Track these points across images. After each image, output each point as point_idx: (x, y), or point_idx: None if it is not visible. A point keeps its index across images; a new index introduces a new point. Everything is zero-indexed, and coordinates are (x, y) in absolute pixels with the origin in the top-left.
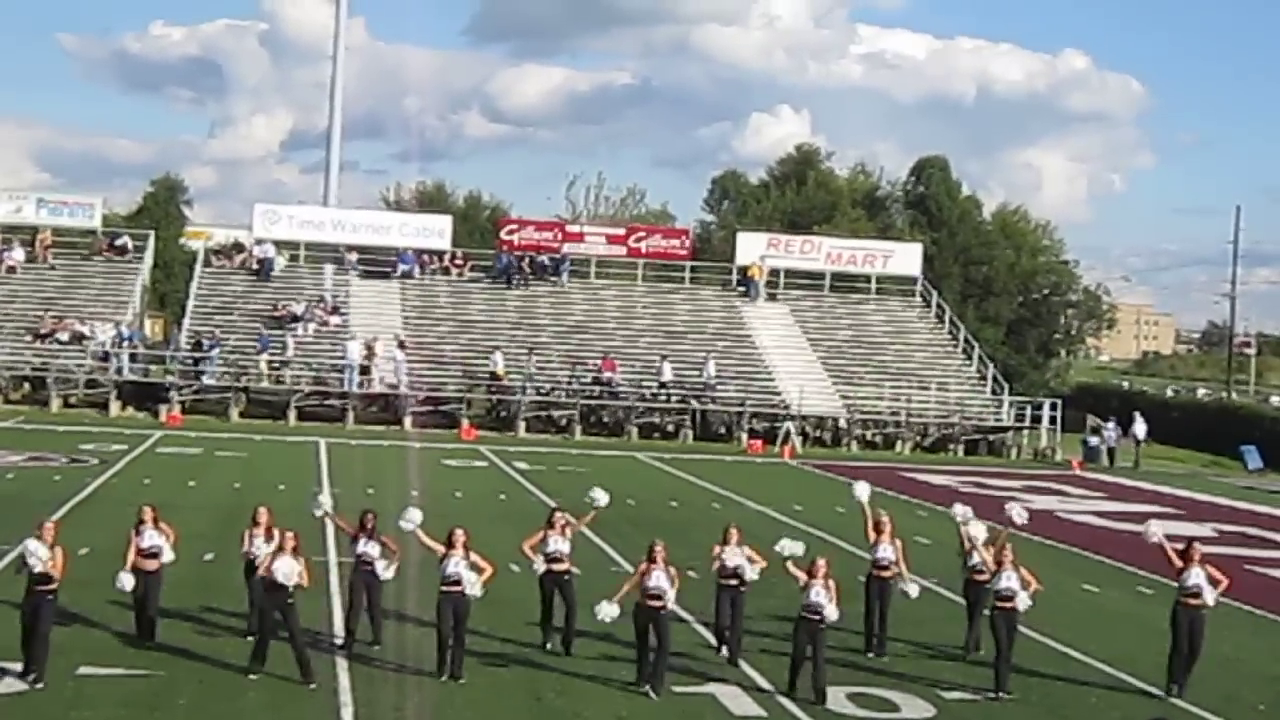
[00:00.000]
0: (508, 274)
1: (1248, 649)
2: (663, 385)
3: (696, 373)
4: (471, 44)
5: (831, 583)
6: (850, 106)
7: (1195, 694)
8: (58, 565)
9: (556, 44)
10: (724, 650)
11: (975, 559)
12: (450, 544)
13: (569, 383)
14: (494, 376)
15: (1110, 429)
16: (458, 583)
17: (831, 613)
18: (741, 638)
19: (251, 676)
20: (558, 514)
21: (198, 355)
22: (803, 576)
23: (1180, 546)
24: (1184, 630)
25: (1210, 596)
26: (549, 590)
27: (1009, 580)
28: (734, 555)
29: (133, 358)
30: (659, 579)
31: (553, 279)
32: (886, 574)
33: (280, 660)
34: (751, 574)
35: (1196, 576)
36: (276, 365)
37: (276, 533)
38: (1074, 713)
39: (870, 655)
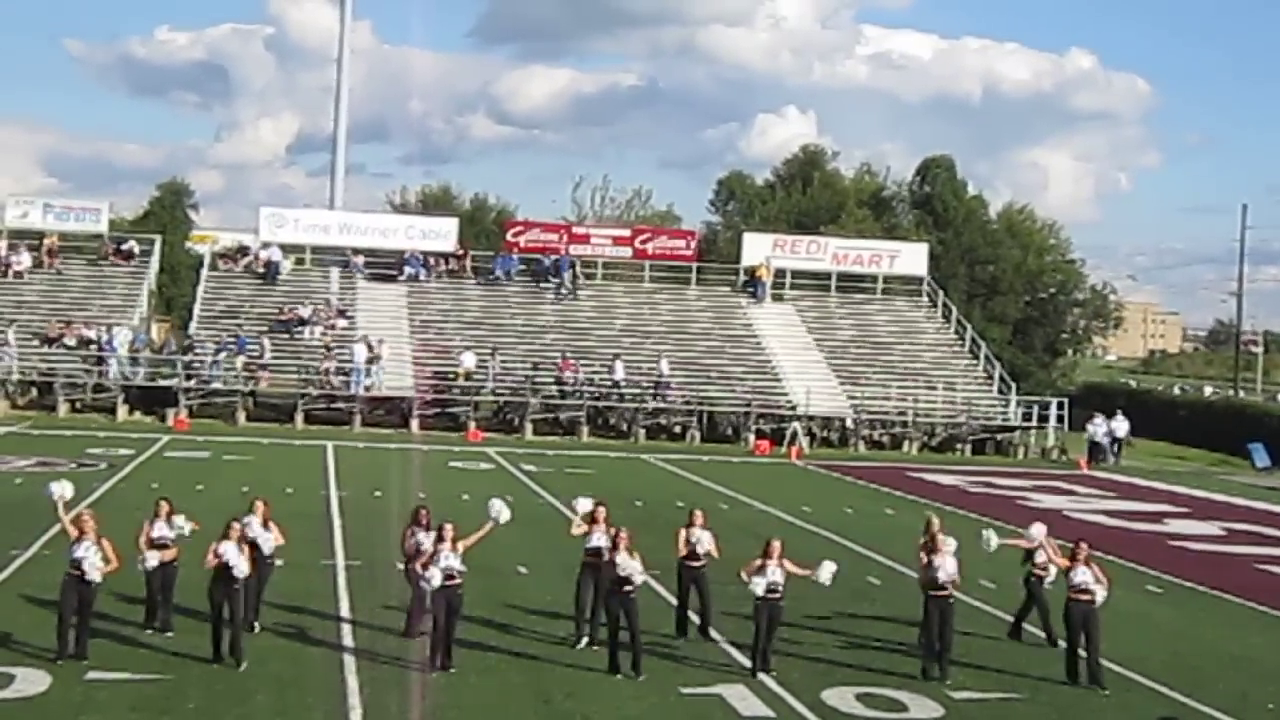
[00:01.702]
0: (504, 276)
1: (1258, 648)
2: (615, 384)
3: (702, 373)
4: (477, 46)
5: (628, 548)
6: (857, 107)
7: (1206, 693)
8: (112, 560)
9: (562, 46)
10: (689, 633)
11: (1040, 557)
12: (440, 538)
13: (527, 382)
14: (461, 376)
15: (1099, 424)
16: (451, 576)
17: (637, 577)
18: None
19: (242, 667)
20: (600, 508)
21: (189, 359)
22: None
23: (1070, 544)
24: (1078, 626)
25: (1101, 593)
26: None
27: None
28: (698, 537)
29: (133, 361)
30: (624, 562)
31: (555, 280)
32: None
33: (289, 662)
34: (712, 551)
35: (1083, 574)
36: (253, 368)
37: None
38: (1083, 713)
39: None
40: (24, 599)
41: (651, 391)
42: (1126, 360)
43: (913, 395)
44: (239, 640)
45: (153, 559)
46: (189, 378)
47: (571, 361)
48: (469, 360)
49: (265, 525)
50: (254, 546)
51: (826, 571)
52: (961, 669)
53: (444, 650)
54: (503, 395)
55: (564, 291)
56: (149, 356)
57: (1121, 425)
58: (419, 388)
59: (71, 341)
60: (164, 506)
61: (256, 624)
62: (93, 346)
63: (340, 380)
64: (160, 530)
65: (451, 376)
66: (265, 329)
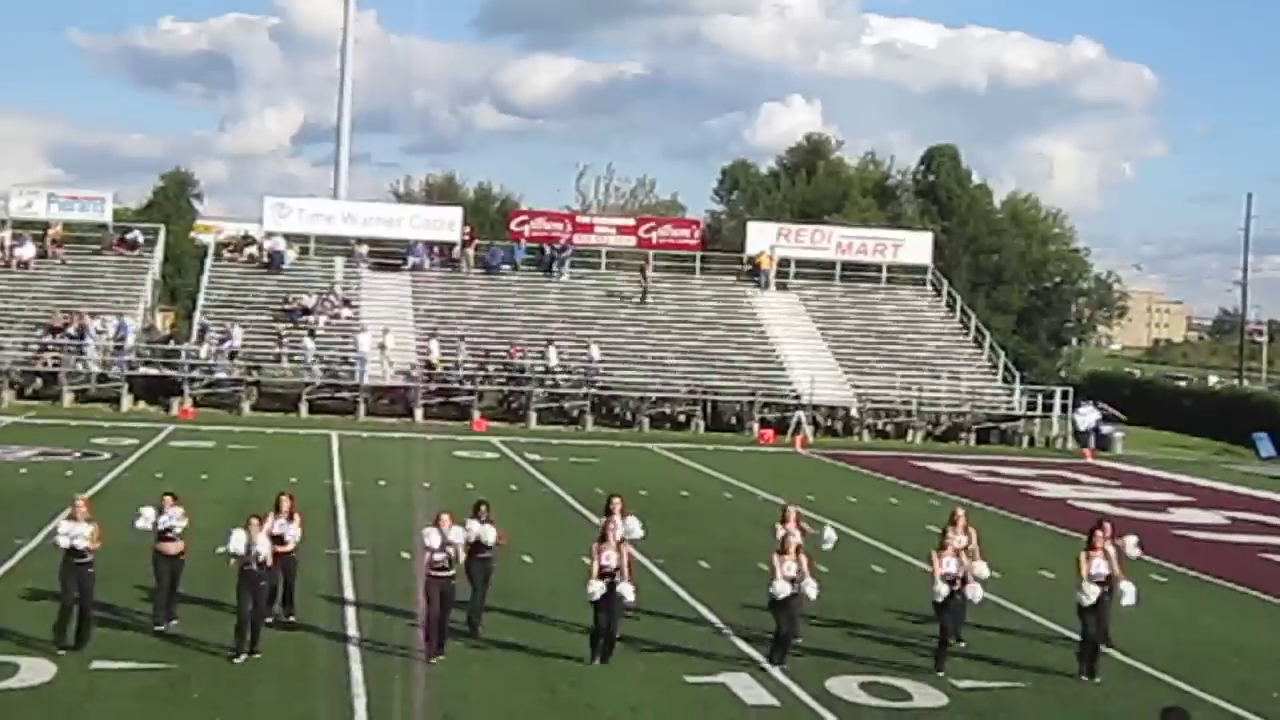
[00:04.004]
0: (498, 266)
1: (1262, 637)
2: (548, 370)
3: (706, 363)
4: (482, 36)
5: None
6: (862, 96)
7: (1209, 682)
8: (97, 539)
9: (567, 35)
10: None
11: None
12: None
13: (480, 369)
14: (429, 365)
15: (1085, 413)
16: (445, 567)
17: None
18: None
19: (239, 659)
20: (615, 499)
21: (172, 347)
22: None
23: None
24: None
25: (1130, 591)
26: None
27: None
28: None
29: (118, 350)
30: (609, 558)
31: (557, 270)
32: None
33: (293, 652)
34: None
35: (1100, 565)
36: (225, 354)
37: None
38: (1085, 702)
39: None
40: (28, 589)
41: (583, 377)
42: (1131, 350)
43: (917, 384)
44: (259, 632)
45: (148, 513)
46: (189, 367)
47: (520, 348)
48: (434, 349)
49: (290, 518)
50: (279, 540)
51: (829, 533)
52: (965, 658)
53: (439, 638)
54: (451, 383)
55: (559, 275)
56: (135, 345)
57: (1091, 415)
58: (420, 377)
59: (75, 331)
60: (169, 501)
61: (293, 616)
62: (103, 336)
63: (293, 368)
64: (168, 521)
65: (425, 365)
66: (272, 318)
